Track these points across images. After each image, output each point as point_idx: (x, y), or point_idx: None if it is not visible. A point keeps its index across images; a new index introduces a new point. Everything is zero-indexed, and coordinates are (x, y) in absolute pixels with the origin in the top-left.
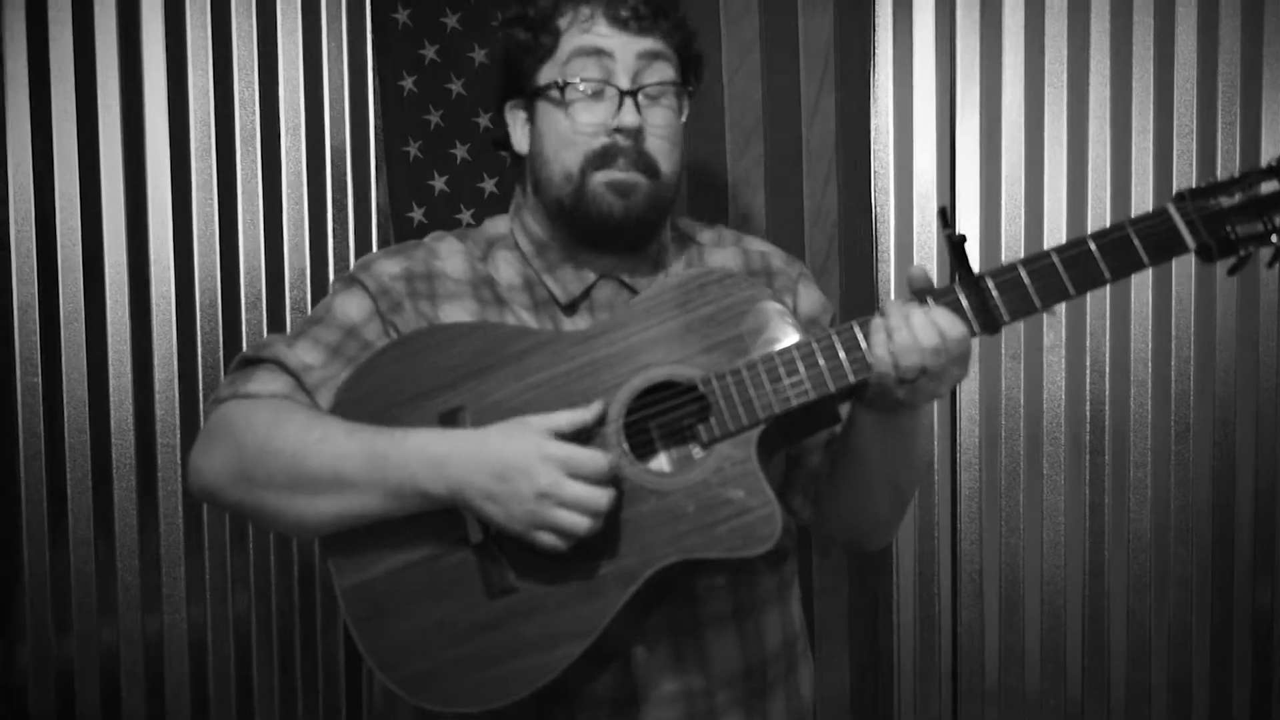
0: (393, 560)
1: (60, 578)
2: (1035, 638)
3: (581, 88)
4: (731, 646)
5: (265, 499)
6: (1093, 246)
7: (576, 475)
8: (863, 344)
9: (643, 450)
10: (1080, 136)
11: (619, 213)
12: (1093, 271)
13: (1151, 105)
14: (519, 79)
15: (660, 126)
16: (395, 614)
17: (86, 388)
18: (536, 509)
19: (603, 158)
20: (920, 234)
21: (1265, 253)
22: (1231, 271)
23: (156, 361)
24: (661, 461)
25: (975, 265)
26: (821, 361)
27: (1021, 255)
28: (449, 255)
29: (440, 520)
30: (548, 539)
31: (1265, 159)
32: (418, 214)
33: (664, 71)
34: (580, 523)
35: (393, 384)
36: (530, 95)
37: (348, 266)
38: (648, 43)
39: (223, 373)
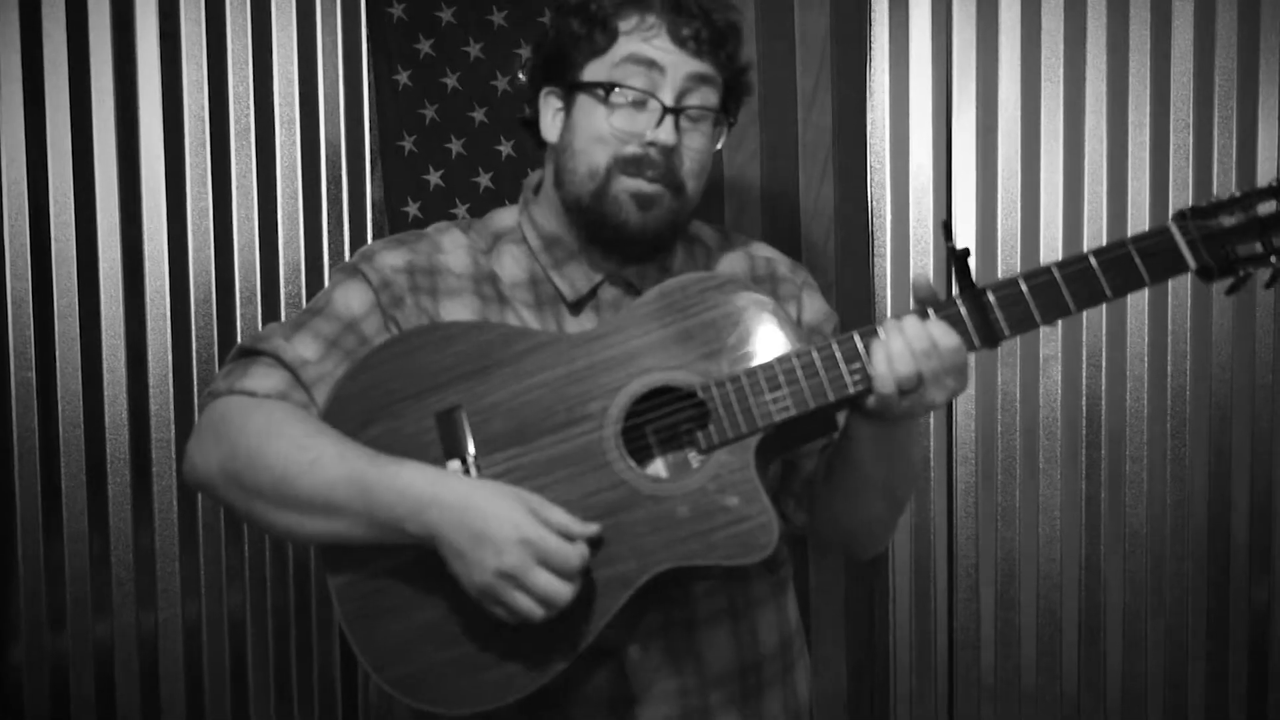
0: (387, 560)
1: (55, 572)
2: (1031, 633)
3: (628, 94)
4: (726, 646)
5: (254, 505)
6: (1094, 263)
7: (546, 565)
8: (863, 355)
9: (640, 454)
10: (1076, 130)
11: (636, 223)
12: (1094, 288)
13: (1148, 100)
14: (563, 68)
15: (694, 150)
16: (388, 614)
17: (81, 382)
18: (496, 584)
19: (632, 164)
20: (916, 228)
21: (1263, 273)
22: (1229, 291)
23: (151, 356)
24: (658, 466)
25: (975, 270)
26: (821, 372)
27: (1018, 249)
28: (452, 249)
29: None
30: (500, 613)
31: (1261, 155)
32: (412, 209)
33: (708, 97)
34: (535, 611)
35: (391, 380)
36: (571, 86)
37: (342, 261)
38: (700, 66)
39: (217, 367)
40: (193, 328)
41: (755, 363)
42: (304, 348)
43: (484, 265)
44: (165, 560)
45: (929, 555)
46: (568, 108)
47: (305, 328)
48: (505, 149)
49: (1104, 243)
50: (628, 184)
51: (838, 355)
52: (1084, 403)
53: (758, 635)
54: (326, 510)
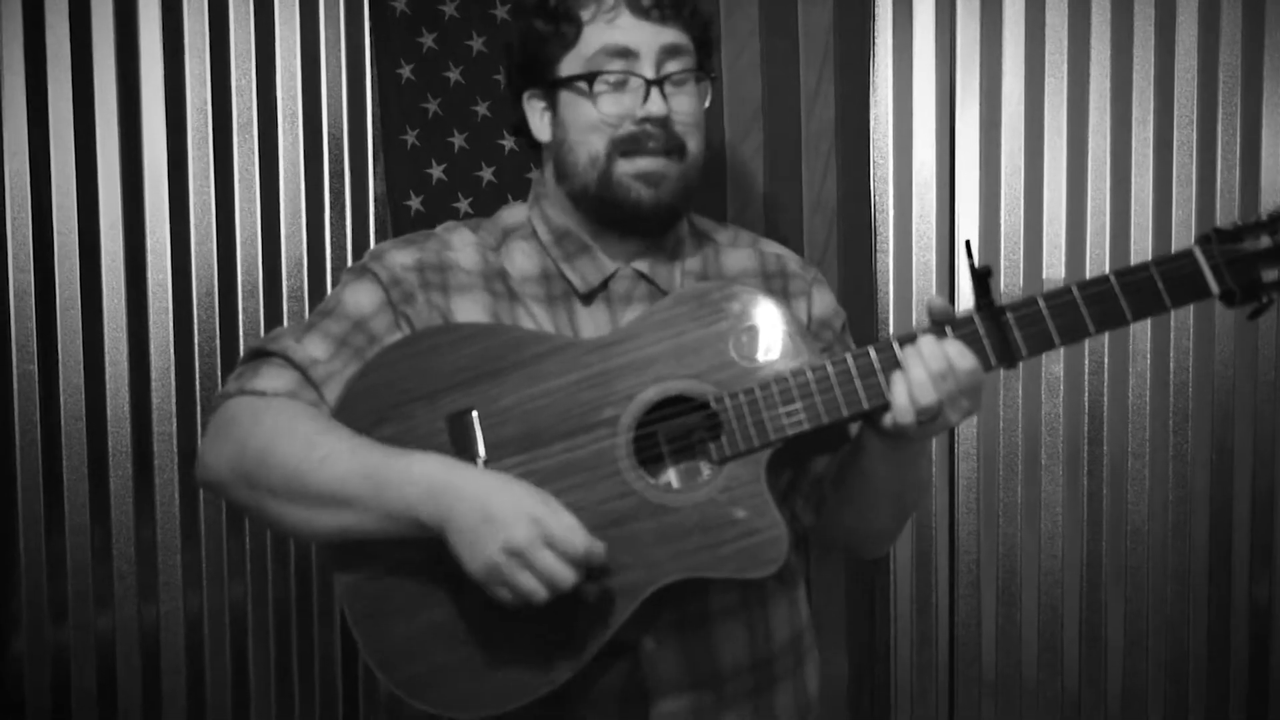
0: (394, 560)
1: (56, 565)
2: (1032, 629)
3: (610, 79)
4: (740, 640)
5: (265, 503)
6: (1115, 284)
7: (552, 546)
8: (879, 371)
9: (653, 463)
10: (1080, 125)
11: (649, 201)
12: (1114, 310)
13: (1152, 94)
14: (539, 69)
15: (685, 112)
16: (395, 614)
17: (83, 375)
18: (503, 562)
19: (630, 143)
20: (919, 223)
21: None
22: (1253, 316)
23: (153, 349)
24: (670, 476)
25: (977, 261)
26: (836, 387)
27: (1021, 244)
28: (461, 247)
29: None
30: (503, 594)
31: (1265, 151)
32: (415, 202)
33: (686, 60)
34: (539, 591)
35: (403, 380)
36: (551, 85)
37: (345, 255)
38: (670, 34)
39: (219, 361)
40: (195, 321)
41: (769, 374)
42: (314, 347)
43: (493, 262)
44: (167, 553)
45: (930, 551)
46: (553, 106)
47: (315, 328)
48: (508, 143)
49: (1106, 240)
50: (629, 166)
51: (853, 370)
52: (1086, 399)
53: (771, 629)
54: (337, 504)
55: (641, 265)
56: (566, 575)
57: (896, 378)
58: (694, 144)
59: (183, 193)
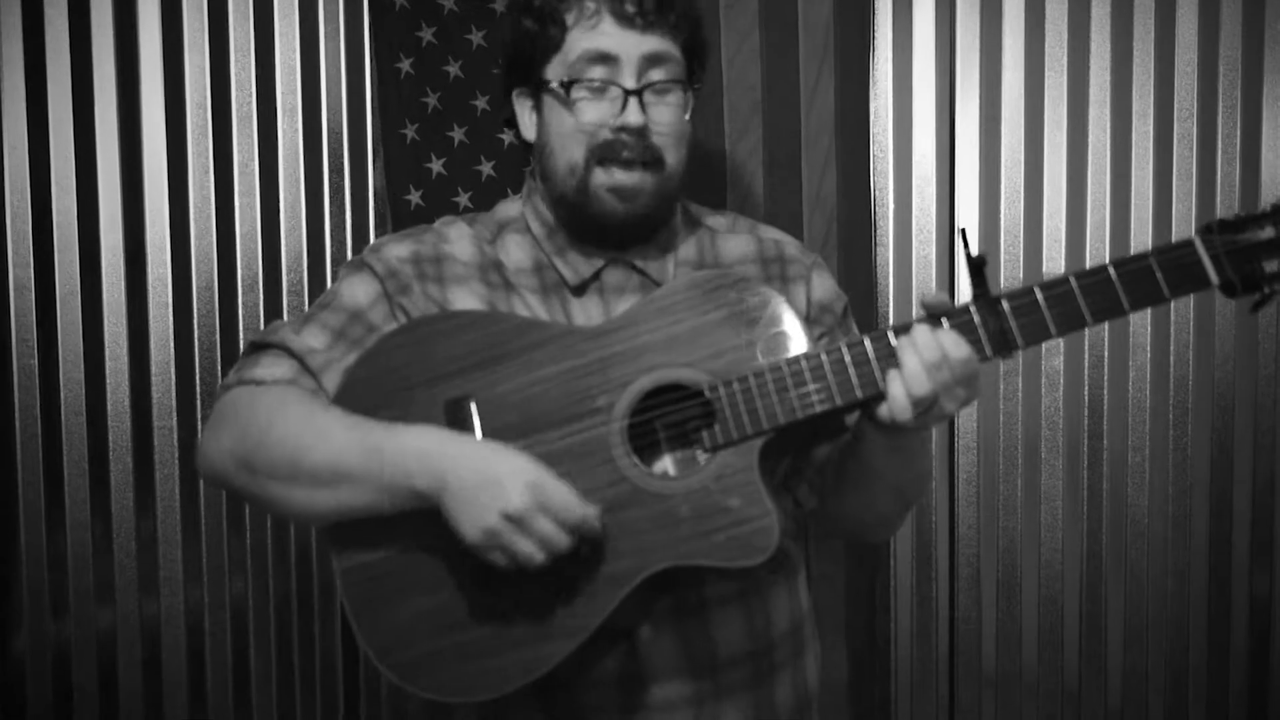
0: (391, 545)
1: (57, 560)
2: (1032, 622)
3: (590, 86)
4: (738, 628)
5: (267, 487)
6: (1113, 274)
7: (548, 512)
8: (873, 360)
9: (646, 451)
10: (1080, 120)
11: (621, 214)
12: (1111, 300)
13: (1152, 88)
14: (526, 68)
15: (664, 124)
16: (391, 599)
17: (83, 370)
18: (501, 527)
19: (606, 150)
20: (919, 218)
21: None
22: (1254, 309)
23: (153, 343)
24: (665, 463)
25: (974, 254)
26: (830, 376)
27: (1020, 238)
28: (457, 239)
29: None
30: (498, 558)
31: (1265, 145)
32: (415, 196)
33: (669, 69)
34: (535, 556)
35: (402, 368)
36: (536, 86)
37: (345, 249)
38: (653, 42)
39: (219, 355)
40: (194, 315)
41: (765, 363)
42: (311, 338)
43: (489, 254)
44: (167, 547)
45: (930, 544)
46: (538, 107)
47: (312, 320)
48: (508, 137)
49: (1106, 233)
50: (605, 178)
51: (847, 359)
52: (1086, 393)
53: (770, 618)
54: (335, 478)
55: (633, 256)
56: (562, 541)
57: (892, 375)
58: (672, 156)
59: (182, 187)
